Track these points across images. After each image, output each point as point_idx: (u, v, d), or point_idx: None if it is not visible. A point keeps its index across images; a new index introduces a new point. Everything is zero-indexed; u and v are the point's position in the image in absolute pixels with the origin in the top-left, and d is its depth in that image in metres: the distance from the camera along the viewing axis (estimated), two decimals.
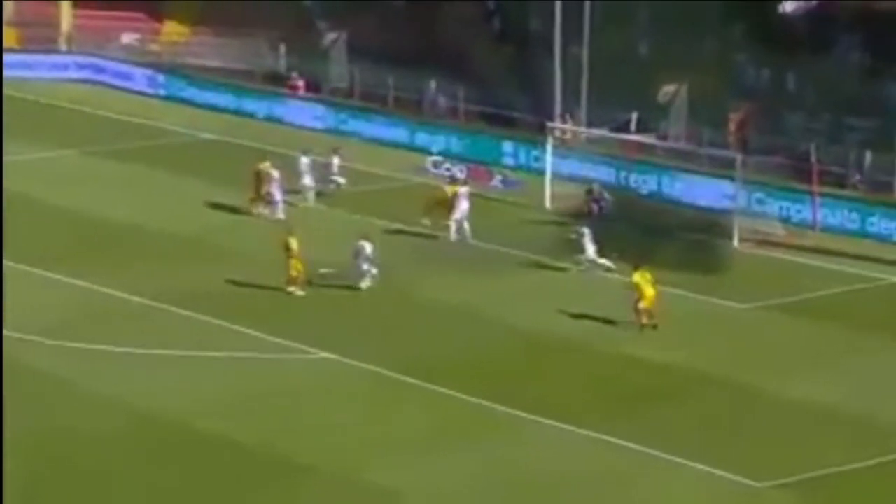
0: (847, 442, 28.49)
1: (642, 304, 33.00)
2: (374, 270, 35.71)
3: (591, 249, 37.03)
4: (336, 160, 43.61)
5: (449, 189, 40.92)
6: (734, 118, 46.70)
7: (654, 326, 33.06)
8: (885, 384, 31.22)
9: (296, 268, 35.28)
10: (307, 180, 42.76)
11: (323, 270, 36.07)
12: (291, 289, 35.30)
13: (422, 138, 49.44)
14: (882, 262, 39.33)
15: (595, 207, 42.08)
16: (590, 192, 42.57)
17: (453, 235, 39.63)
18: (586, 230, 37.49)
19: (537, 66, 49.25)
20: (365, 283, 35.74)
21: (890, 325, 34.50)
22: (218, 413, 29.25)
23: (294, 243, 35.58)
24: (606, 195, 42.45)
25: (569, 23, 46.99)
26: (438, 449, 27.95)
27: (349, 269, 35.74)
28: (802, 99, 46.98)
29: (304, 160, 42.97)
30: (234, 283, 36.15)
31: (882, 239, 41.19)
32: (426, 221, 40.31)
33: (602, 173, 45.38)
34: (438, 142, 49.12)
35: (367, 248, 35.74)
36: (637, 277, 33.17)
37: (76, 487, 26.28)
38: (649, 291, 33.18)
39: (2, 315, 31.30)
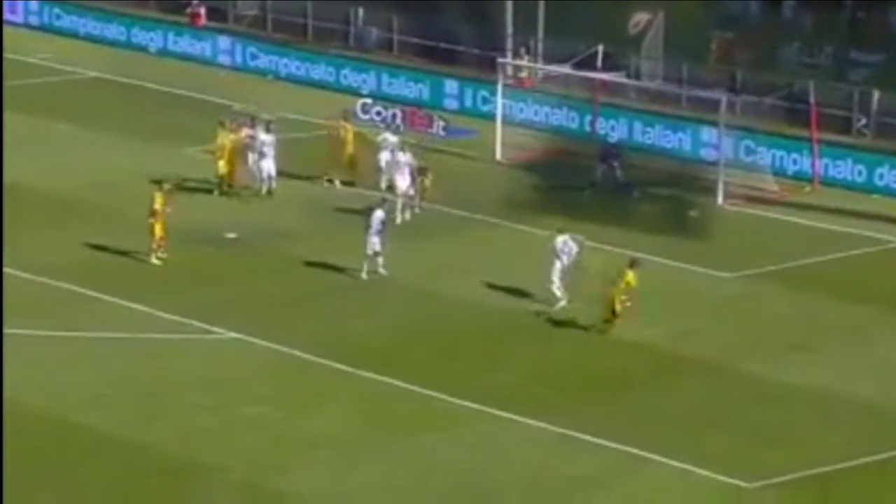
0: (847, 434, 28.65)
1: (618, 304, 31.80)
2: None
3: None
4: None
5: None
6: (716, 49, 46.83)
7: (607, 321, 32.16)
8: (890, 367, 31.41)
9: (158, 231, 35.14)
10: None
11: (229, 235, 35.86)
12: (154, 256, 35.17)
13: (349, 77, 49.23)
14: (892, 222, 39.61)
15: (607, 171, 40.44)
16: (605, 151, 40.83)
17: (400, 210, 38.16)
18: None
19: None
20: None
21: None
22: (102, 405, 29.00)
23: (159, 202, 35.34)
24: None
25: None
26: (367, 448, 27.84)
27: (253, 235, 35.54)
28: (799, 29, 47.17)
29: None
30: (116, 249, 35.86)
31: (892, 194, 41.49)
32: (331, 180, 40.23)
33: (562, 118, 45.47)
34: (368, 81, 49.02)
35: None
36: (632, 276, 31.89)
37: None
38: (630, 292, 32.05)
39: (2, 313, 31.31)
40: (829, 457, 27.69)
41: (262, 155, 39.86)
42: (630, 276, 32.09)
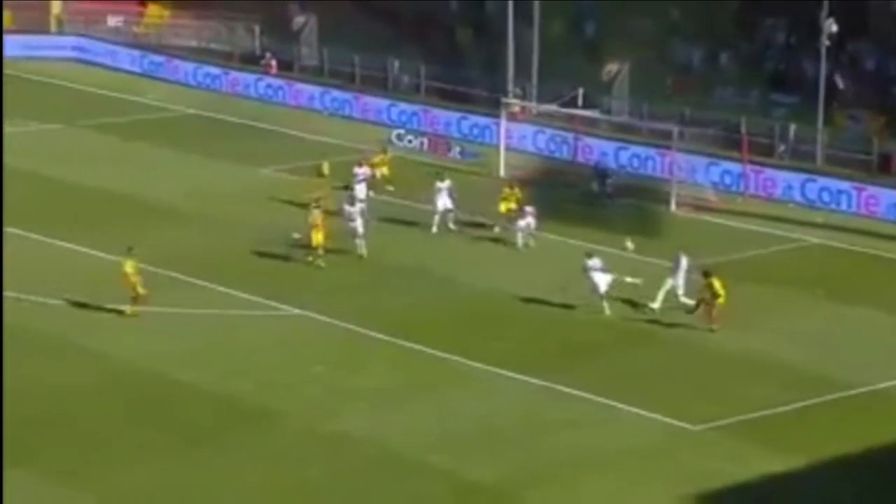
0: (776, 387, 28.47)
1: (716, 307, 30.29)
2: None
3: (603, 282, 31.45)
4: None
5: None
6: (672, 87, 46.56)
7: (712, 330, 30.49)
8: (811, 337, 31.23)
9: (319, 239, 33.65)
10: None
11: (295, 235, 35.80)
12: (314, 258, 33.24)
13: (387, 113, 48.94)
14: (804, 225, 39.38)
15: (600, 186, 40.31)
16: (599, 171, 40.70)
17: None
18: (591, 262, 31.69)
19: (494, 45, 49.01)
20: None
21: (813, 282, 34.53)
22: (193, 365, 28.93)
23: (318, 218, 33.65)
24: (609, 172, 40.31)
25: (521, 6, 46.74)
26: (401, 398, 27.72)
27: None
28: (733, 76, 46.93)
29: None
30: (209, 244, 35.78)
31: (804, 204, 41.22)
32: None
33: (552, 145, 45.27)
34: (402, 116, 48.81)
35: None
36: (716, 282, 30.27)
37: (64, 436, 25.96)
38: (720, 298, 30.47)
39: (1, 313, 30.93)
40: (764, 404, 27.49)
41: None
42: (714, 282, 30.27)
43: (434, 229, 37.55)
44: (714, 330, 30.93)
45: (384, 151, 42.16)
